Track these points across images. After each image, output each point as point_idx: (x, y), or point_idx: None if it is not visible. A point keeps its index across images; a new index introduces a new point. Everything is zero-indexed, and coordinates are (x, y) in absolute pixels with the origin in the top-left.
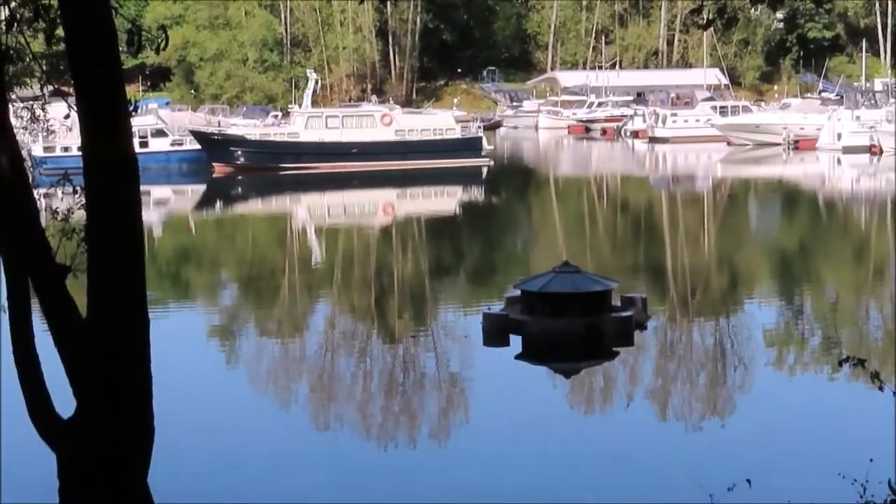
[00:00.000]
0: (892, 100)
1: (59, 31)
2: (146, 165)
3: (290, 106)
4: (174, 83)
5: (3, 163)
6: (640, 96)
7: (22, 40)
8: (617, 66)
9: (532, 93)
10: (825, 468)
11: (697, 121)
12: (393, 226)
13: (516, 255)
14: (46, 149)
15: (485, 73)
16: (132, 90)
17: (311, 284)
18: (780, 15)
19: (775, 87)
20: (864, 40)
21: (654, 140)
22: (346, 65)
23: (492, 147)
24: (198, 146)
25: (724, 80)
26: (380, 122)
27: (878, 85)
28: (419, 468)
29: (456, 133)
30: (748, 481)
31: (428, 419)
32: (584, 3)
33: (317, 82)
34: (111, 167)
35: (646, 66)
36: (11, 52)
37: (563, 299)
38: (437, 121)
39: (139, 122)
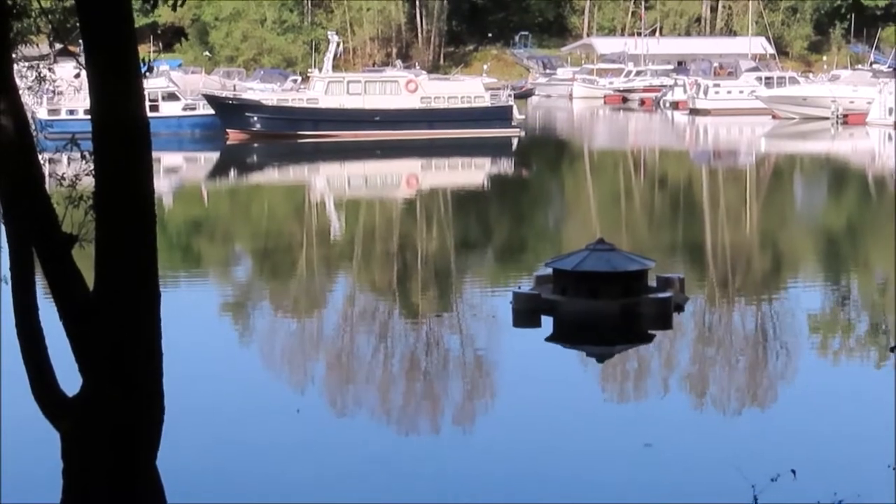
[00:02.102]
0: None
1: None
2: (157, 131)
3: (309, 70)
4: (187, 44)
5: (6, 125)
6: (681, 65)
7: None
8: (657, 33)
9: (567, 60)
10: (874, 460)
11: (741, 92)
12: (417, 199)
13: (548, 232)
14: (51, 111)
15: (517, 38)
16: (142, 50)
17: (330, 259)
18: None
19: (824, 58)
20: None
21: (694, 112)
22: (370, 27)
23: (523, 117)
24: (211, 111)
25: (771, 50)
26: (404, 89)
27: None
28: (442, 455)
29: (485, 101)
30: (793, 472)
31: (452, 404)
32: None
33: (338, 45)
34: (122, 132)
35: (687, 34)
36: (16, 7)
37: (598, 278)
38: (466, 88)
39: (150, 85)
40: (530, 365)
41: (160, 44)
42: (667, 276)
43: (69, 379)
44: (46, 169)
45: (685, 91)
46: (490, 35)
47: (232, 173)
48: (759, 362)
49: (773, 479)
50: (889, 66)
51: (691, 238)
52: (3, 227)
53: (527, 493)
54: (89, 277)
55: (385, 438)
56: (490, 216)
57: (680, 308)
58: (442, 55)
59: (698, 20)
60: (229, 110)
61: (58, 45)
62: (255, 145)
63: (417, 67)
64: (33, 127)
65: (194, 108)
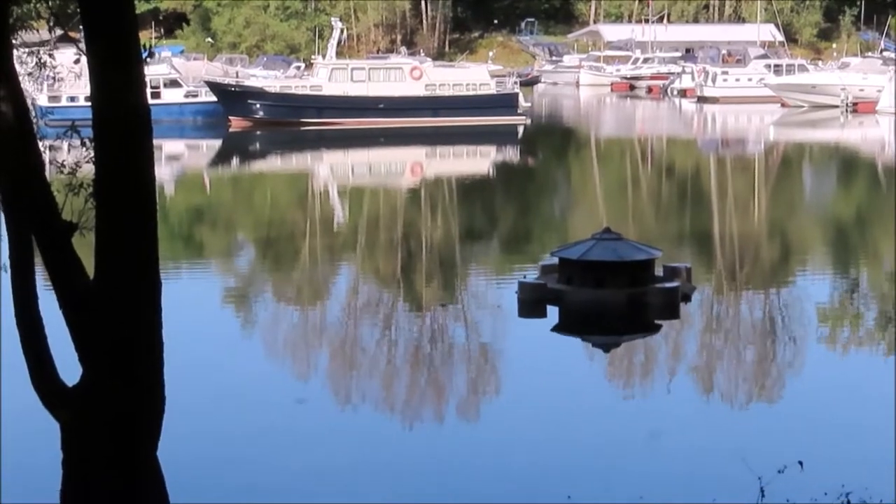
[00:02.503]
0: None
1: None
2: (158, 118)
3: (313, 57)
4: (189, 30)
5: (6, 112)
6: (689, 53)
7: None
8: (665, 20)
9: (573, 47)
10: (882, 452)
11: (750, 80)
12: (421, 187)
13: (554, 221)
14: (52, 98)
15: (523, 24)
16: (144, 36)
17: (333, 248)
18: None
19: (834, 45)
20: None
21: (702, 100)
22: (375, 13)
23: (529, 104)
24: (214, 98)
25: (780, 37)
26: (409, 76)
27: None
28: (447, 445)
29: (490, 89)
30: (800, 463)
31: (457, 395)
32: None
33: (342, 32)
34: (122, 119)
35: (695, 21)
36: None
37: (604, 268)
38: (471, 75)
39: (151, 72)
40: (536, 355)
41: (162, 30)
42: (674, 265)
43: (69, 369)
44: (46, 156)
45: (693, 79)
46: (496, 22)
47: (234, 161)
48: (766, 353)
49: (780, 471)
50: None
51: (699, 227)
52: (2, 216)
53: (532, 484)
54: (89, 266)
55: (389, 429)
56: (495, 205)
57: (687, 298)
58: (447, 42)
59: (706, 7)
60: (232, 97)
61: (58, 31)
62: (258, 133)
63: (422, 54)
64: (33, 114)
65: (196, 95)
